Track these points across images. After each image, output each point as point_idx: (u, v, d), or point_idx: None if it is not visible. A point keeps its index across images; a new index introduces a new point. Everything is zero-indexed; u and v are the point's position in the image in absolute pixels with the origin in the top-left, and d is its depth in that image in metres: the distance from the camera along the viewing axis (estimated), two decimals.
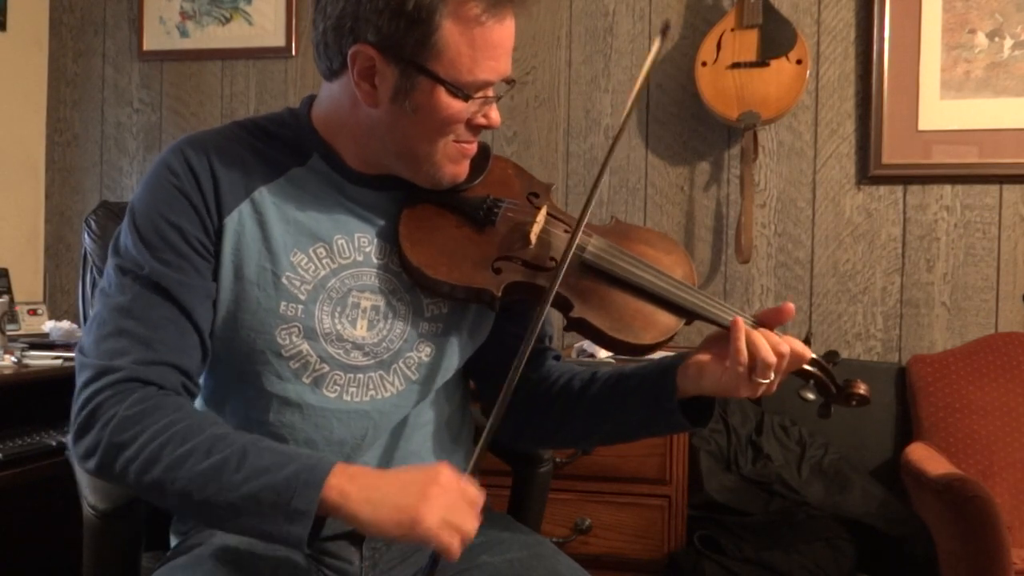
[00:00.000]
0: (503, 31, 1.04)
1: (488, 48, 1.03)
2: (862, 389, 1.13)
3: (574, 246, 1.07)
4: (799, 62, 2.37)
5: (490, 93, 1.07)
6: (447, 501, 0.93)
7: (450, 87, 1.03)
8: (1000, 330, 2.40)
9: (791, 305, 1.10)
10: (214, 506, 0.94)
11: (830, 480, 2.14)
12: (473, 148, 1.12)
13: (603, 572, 1.99)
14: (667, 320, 1.12)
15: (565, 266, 1.06)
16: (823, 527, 1.99)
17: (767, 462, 2.15)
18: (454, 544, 0.92)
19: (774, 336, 1.07)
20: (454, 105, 1.04)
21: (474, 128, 1.09)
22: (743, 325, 1.06)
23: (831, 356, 1.14)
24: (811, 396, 1.14)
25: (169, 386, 1.01)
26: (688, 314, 1.12)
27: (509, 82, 1.09)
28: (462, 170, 1.12)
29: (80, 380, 1.01)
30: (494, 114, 1.09)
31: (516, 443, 1.32)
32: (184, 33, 2.91)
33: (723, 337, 1.10)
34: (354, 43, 1.03)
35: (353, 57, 1.03)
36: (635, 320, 1.11)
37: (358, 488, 0.93)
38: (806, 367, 1.12)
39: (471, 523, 0.94)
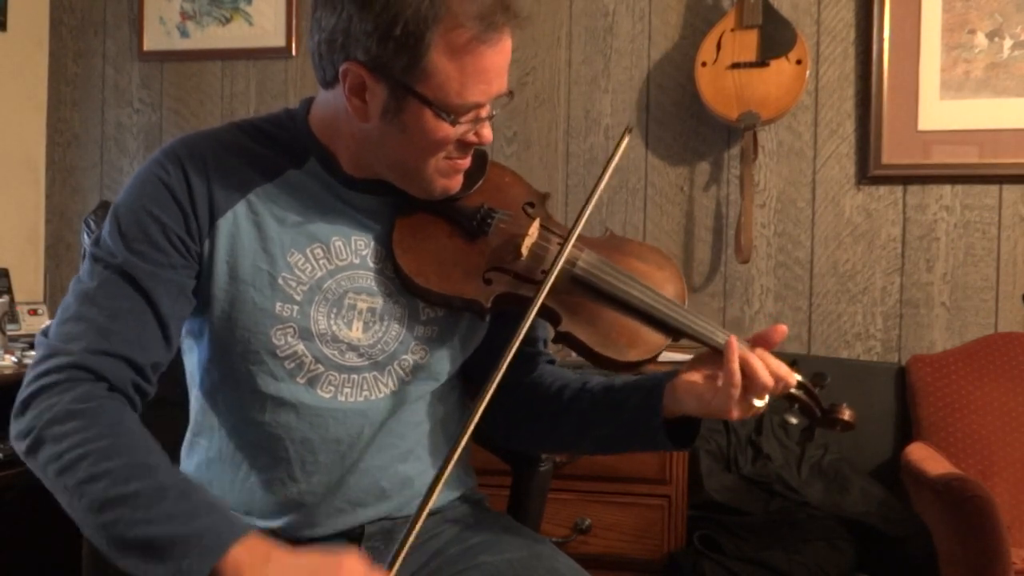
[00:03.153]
0: (496, 55, 1.03)
1: (479, 73, 1.02)
2: (846, 415, 1.12)
3: (561, 262, 1.07)
4: (799, 62, 2.37)
5: (482, 113, 1.06)
6: None
7: (438, 110, 1.02)
8: (1000, 330, 2.40)
9: (783, 327, 1.09)
10: (109, 536, 0.90)
11: (830, 480, 2.14)
12: (466, 163, 1.11)
13: (603, 572, 1.99)
14: (654, 338, 1.12)
15: (551, 280, 1.06)
16: (823, 527, 1.99)
17: (767, 462, 2.15)
18: None
19: (770, 356, 1.07)
20: (442, 127, 1.03)
21: (465, 146, 1.08)
22: (736, 345, 1.06)
23: (819, 379, 1.13)
24: (794, 420, 1.13)
25: (118, 382, 0.99)
26: (675, 332, 1.12)
27: (507, 95, 1.07)
28: (454, 184, 1.12)
29: (34, 359, 1.00)
30: (486, 132, 1.08)
31: (508, 443, 1.32)
32: (184, 33, 2.91)
33: (711, 357, 1.10)
34: (345, 60, 1.02)
35: (344, 73, 1.03)
36: (621, 337, 1.11)
37: (256, 566, 0.87)
38: (792, 391, 1.11)
39: None
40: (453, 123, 1.03)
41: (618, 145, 1.13)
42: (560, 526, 2.05)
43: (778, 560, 1.91)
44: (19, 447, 0.98)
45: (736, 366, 1.04)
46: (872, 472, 2.28)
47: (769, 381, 1.04)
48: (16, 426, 0.98)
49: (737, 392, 1.04)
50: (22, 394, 0.98)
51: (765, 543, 1.95)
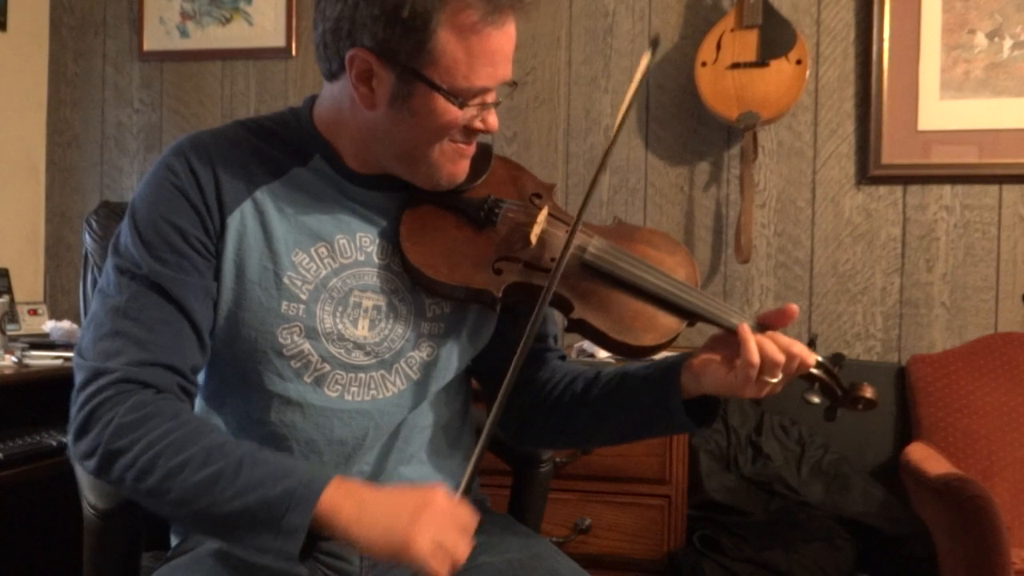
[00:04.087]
0: (502, 37, 1.03)
1: (485, 55, 1.02)
2: (869, 392, 1.11)
3: (571, 247, 1.07)
4: (799, 62, 2.37)
5: (489, 98, 1.07)
6: (439, 525, 0.93)
7: (446, 94, 1.03)
8: (1000, 330, 2.40)
9: (795, 307, 1.09)
10: (207, 518, 0.94)
11: (830, 480, 2.14)
12: (471, 149, 1.12)
13: (603, 572, 1.99)
14: (668, 322, 1.11)
15: (562, 266, 1.06)
16: (823, 527, 1.99)
17: (767, 462, 2.15)
18: (443, 570, 0.92)
19: (782, 337, 1.07)
20: (451, 111, 1.04)
21: (471, 132, 1.09)
22: (749, 331, 1.06)
23: (837, 359, 1.13)
24: (816, 400, 1.13)
25: (164, 387, 1.01)
26: (690, 315, 1.12)
27: (511, 84, 1.09)
28: (460, 170, 1.12)
29: (77, 381, 1.01)
30: (492, 119, 1.09)
31: (520, 444, 1.32)
32: (184, 33, 2.91)
33: (726, 338, 1.09)
34: (351, 47, 1.03)
35: (350, 61, 1.03)
36: (636, 321, 1.11)
37: (351, 506, 0.93)
38: (812, 370, 1.11)
39: (462, 549, 0.94)
40: (461, 106, 1.04)
41: (642, 63, 1.12)
42: (560, 526, 2.05)
43: (778, 560, 1.91)
44: (88, 467, 1.00)
45: (753, 348, 1.04)
46: (872, 472, 2.28)
47: (780, 359, 1.05)
48: (80, 448, 0.99)
49: (755, 373, 1.05)
50: (77, 418, 0.99)
51: (765, 543, 1.95)
